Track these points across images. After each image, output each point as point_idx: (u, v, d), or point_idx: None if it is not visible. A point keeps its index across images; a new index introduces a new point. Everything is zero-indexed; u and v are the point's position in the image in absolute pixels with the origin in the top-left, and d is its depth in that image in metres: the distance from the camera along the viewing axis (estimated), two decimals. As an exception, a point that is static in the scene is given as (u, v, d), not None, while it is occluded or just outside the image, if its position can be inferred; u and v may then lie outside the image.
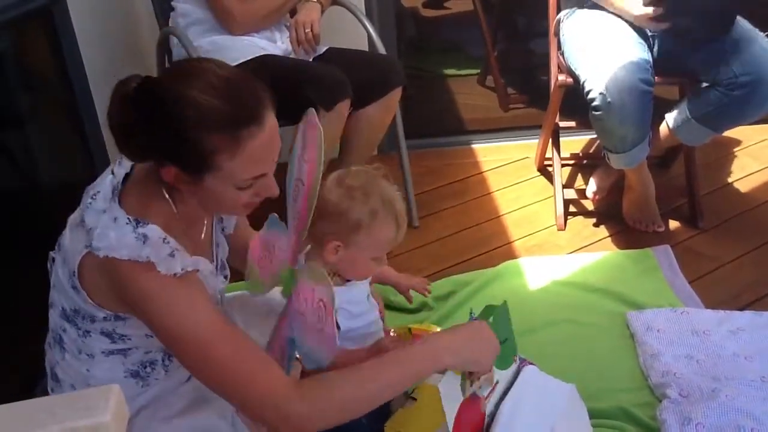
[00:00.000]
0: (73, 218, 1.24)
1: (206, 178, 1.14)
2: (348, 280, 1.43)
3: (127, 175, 1.22)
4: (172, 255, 1.14)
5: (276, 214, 1.40)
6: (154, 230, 1.15)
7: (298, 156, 1.30)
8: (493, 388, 1.43)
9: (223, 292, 1.43)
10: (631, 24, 2.05)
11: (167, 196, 1.18)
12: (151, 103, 1.10)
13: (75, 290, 1.19)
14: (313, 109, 1.29)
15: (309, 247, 1.36)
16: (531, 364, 1.54)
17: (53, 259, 1.26)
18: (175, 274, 1.13)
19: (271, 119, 1.15)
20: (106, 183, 1.21)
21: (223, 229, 1.44)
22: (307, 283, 1.23)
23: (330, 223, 1.34)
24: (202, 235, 1.30)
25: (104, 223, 1.15)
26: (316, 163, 1.24)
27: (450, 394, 1.27)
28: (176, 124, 1.09)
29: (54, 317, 1.28)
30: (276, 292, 1.43)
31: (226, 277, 1.41)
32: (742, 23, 2.07)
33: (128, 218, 1.15)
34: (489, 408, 1.38)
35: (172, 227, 1.19)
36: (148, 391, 1.33)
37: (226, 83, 1.12)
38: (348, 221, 1.33)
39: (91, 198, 1.20)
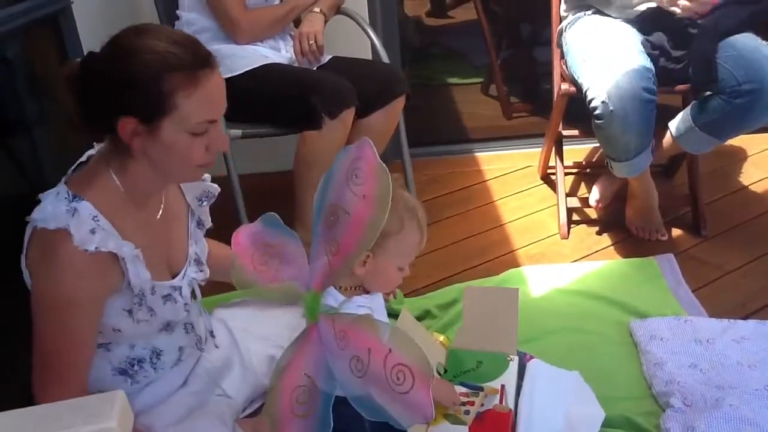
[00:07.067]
0: None
1: (163, 124, 1.17)
2: (367, 292, 1.43)
3: (81, 164, 1.29)
4: (92, 231, 1.18)
5: (275, 214, 1.41)
6: (86, 206, 1.20)
7: (340, 180, 1.25)
8: (503, 391, 1.44)
9: (199, 283, 1.45)
10: (632, 32, 2.06)
11: (114, 176, 1.23)
12: (104, 62, 1.18)
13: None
14: (369, 140, 1.23)
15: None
16: (532, 357, 1.59)
17: None
18: (86, 250, 1.17)
19: (219, 69, 1.23)
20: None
21: (200, 224, 1.46)
22: (374, 336, 1.15)
23: None
24: (158, 215, 1.34)
25: (48, 198, 1.21)
26: (374, 205, 1.18)
27: None
28: (134, 71, 1.16)
29: None
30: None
31: (203, 271, 1.44)
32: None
33: (68, 192, 1.21)
34: (511, 405, 1.43)
35: (115, 207, 1.23)
36: (142, 395, 1.33)
37: (179, 35, 1.22)
38: None
39: None
